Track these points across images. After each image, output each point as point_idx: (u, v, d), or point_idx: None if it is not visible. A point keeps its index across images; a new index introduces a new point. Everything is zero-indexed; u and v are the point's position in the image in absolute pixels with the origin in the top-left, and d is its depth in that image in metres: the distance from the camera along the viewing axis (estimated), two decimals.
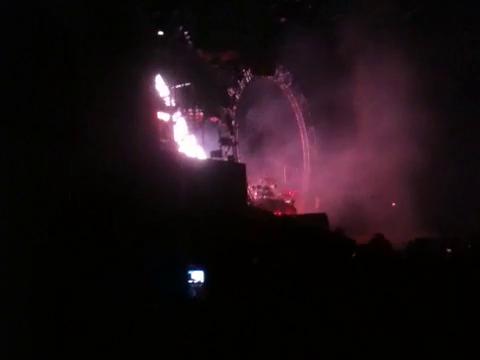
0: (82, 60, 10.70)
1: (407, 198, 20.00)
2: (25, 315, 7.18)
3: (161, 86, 15.83)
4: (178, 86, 16.76)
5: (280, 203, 19.71)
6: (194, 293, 8.36)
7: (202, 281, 8.47)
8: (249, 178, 17.48)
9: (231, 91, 19.19)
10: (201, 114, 17.08)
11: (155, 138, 14.61)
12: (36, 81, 9.59)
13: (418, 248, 9.44)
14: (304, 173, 21.86)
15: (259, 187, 19.33)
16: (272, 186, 20.03)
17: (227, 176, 12.89)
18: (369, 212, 18.93)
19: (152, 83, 14.94)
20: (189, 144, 16.91)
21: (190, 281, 8.59)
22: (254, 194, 19.28)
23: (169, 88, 16.34)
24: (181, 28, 16.49)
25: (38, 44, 9.81)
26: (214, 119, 18.57)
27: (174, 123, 16.49)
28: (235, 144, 18.86)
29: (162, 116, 15.88)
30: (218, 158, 17.22)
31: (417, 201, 19.33)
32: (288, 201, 20.34)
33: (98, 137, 10.56)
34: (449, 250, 10.87)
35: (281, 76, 20.92)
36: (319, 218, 15.69)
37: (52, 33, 10.07)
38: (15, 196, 8.65)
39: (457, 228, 15.00)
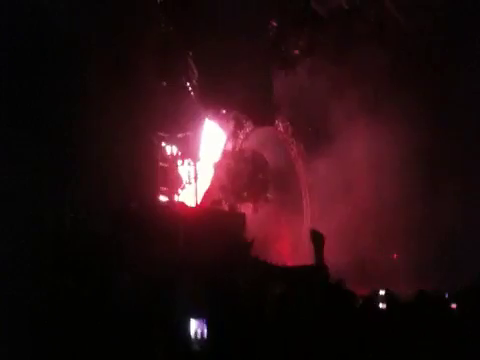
0: (87, 109, 10.79)
1: (408, 248, 19.83)
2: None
3: (163, 135, 15.96)
4: (180, 135, 16.90)
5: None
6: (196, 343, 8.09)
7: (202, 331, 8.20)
8: None
9: (231, 141, 19.33)
10: (198, 164, 17.14)
11: (155, 186, 14.59)
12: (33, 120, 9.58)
13: (421, 304, 9.20)
14: (304, 223, 21.67)
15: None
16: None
17: (227, 225, 12.78)
18: (370, 263, 18.68)
19: (154, 132, 15.07)
20: (189, 192, 16.84)
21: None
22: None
23: (171, 137, 16.49)
24: (184, 78, 16.78)
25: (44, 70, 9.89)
26: (214, 168, 18.63)
27: (174, 172, 16.50)
28: (235, 193, 18.79)
29: (163, 165, 15.92)
30: (218, 207, 17.14)
31: (418, 251, 19.20)
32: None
33: (100, 180, 10.50)
34: (454, 305, 10.58)
35: (281, 126, 21.15)
36: (319, 269, 15.37)
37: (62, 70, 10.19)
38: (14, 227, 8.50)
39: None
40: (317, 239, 13.29)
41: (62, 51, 10.31)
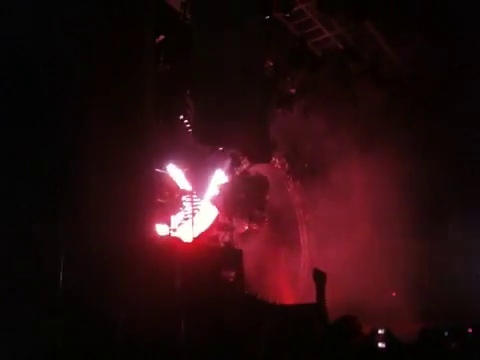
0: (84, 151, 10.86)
1: (407, 285, 19.65)
2: None
3: (161, 171, 16.08)
4: (178, 171, 17.05)
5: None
6: None
7: None
8: None
9: (228, 177, 19.43)
10: (196, 200, 17.19)
11: (152, 222, 14.55)
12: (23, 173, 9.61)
13: (423, 343, 9.04)
14: (302, 260, 21.54)
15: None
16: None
17: (223, 262, 12.69)
18: (370, 301, 18.46)
19: (152, 168, 15.14)
20: (186, 228, 16.82)
21: None
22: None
23: (169, 173, 16.64)
24: (182, 116, 17.05)
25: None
26: (212, 203, 18.66)
27: (172, 207, 16.54)
28: (232, 229, 18.75)
29: (161, 201, 15.97)
30: (214, 243, 17.08)
31: (418, 288, 19.06)
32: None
33: (93, 215, 10.46)
34: (453, 344, 10.40)
35: (278, 163, 21.34)
36: (318, 307, 15.16)
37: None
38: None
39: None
40: (320, 278, 13.24)
41: (61, 91, 10.47)
